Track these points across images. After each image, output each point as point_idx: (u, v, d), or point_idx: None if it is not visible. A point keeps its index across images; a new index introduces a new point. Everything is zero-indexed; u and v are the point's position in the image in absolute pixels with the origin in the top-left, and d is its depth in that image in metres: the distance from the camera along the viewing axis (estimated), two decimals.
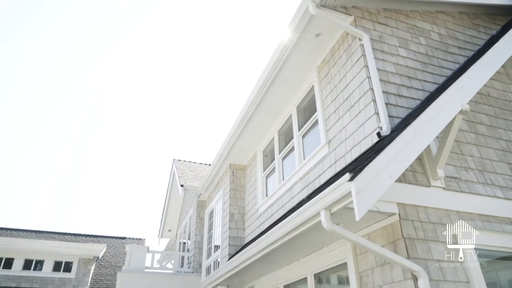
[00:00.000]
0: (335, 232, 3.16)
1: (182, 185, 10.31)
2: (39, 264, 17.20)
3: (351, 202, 3.01)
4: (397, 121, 4.13)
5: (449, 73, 5.13)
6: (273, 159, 7.25)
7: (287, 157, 6.77)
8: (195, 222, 10.70)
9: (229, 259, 7.32)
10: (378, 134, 3.84)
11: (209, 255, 9.53)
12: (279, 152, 6.95)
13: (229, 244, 7.72)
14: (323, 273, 4.73)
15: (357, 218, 2.69)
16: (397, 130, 3.67)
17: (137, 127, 70.23)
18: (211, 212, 10.07)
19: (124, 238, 22.91)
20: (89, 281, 17.50)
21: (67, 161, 66.92)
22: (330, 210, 3.23)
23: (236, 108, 8.84)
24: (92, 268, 18.01)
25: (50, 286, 16.78)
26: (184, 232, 12.94)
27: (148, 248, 10.01)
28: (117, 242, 22.15)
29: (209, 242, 9.80)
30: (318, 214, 3.31)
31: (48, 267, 17.23)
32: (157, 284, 9.56)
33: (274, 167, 7.09)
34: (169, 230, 14.99)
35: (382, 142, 3.58)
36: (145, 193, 78.12)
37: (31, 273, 16.87)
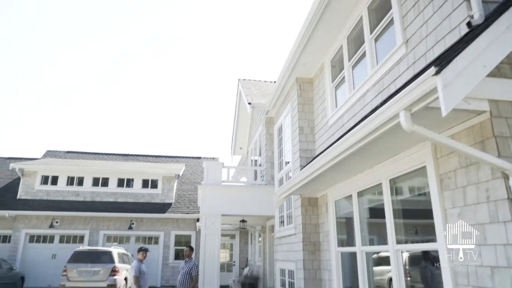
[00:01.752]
0: (415, 133, 3.00)
1: (249, 103, 10.45)
2: (130, 182, 19.40)
3: (435, 100, 2.78)
4: (492, 6, 3.56)
5: None
6: (341, 69, 6.90)
7: (357, 65, 6.39)
8: (264, 138, 10.99)
9: (300, 170, 7.53)
10: (468, 23, 3.36)
11: (280, 168, 9.89)
12: (349, 60, 6.56)
13: (300, 157, 7.88)
14: (399, 178, 4.66)
15: (444, 114, 2.49)
16: (492, 16, 3.18)
17: (202, 49, 70.72)
18: (279, 127, 10.20)
19: (199, 157, 24.63)
20: (174, 196, 19.49)
21: (142, 88, 70.94)
22: (410, 110, 3.03)
23: (299, 21, 8.34)
24: (175, 184, 19.89)
25: (141, 200, 19.05)
26: (255, 149, 13.45)
27: (223, 164, 10.65)
28: (193, 162, 23.93)
29: (280, 156, 10.10)
30: (397, 115, 3.13)
31: (137, 184, 19.38)
32: (234, 195, 10.31)
33: (343, 77, 6.78)
34: (240, 148, 15.69)
35: (474, 32, 3.15)
36: (215, 114, 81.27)
37: (124, 189, 19.18)
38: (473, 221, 3.31)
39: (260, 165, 11.84)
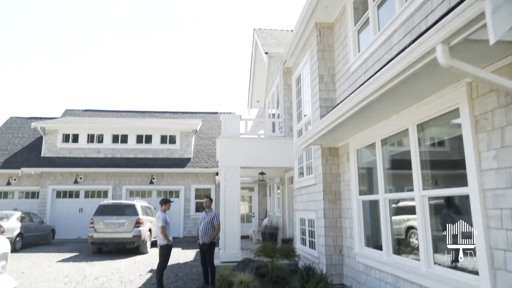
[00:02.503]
0: (453, 68, 2.76)
1: (266, 53, 10.09)
2: (148, 138, 19.62)
3: (477, 30, 2.52)
4: None
5: None
6: (365, 10, 6.46)
7: (383, 4, 5.95)
8: (282, 89, 10.72)
9: (320, 120, 7.34)
10: None
11: (299, 119, 9.71)
12: None
13: (320, 106, 7.66)
14: (427, 122, 4.44)
15: (492, 41, 2.25)
16: None
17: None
18: (298, 77, 9.89)
19: (216, 113, 24.55)
20: (192, 151, 19.68)
21: (157, 44, 69.91)
22: (448, 44, 2.77)
23: None
24: (193, 140, 20.03)
25: (161, 155, 19.34)
26: (272, 101, 13.21)
27: (240, 117, 10.51)
28: (210, 117, 23.90)
29: (298, 107, 9.88)
30: (432, 50, 2.87)
31: (156, 140, 19.59)
32: (252, 148, 10.27)
33: (367, 19, 6.36)
34: (257, 101, 15.46)
35: None
36: (231, 68, 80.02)
37: (143, 146, 19.44)
38: (511, 162, 3.13)
39: (278, 117, 11.67)
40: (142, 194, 18.86)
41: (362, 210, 6.50)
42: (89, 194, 18.62)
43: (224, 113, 24.11)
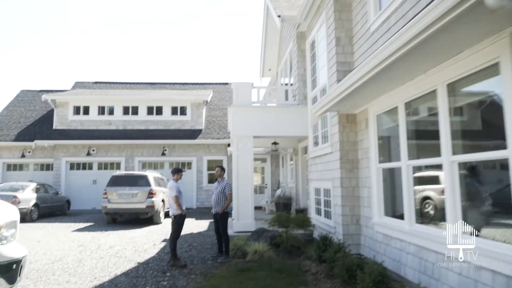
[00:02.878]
0: (505, 8, 2.37)
1: (278, 16, 9.57)
2: (159, 110, 19.41)
3: None
4: None
5: None
6: None
7: None
8: (296, 55, 10.26)
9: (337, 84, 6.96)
10: None
11: (314, 85, 9.32)
12: None
13: (336, 70, 7.25)
14: (459, 82, 4.06)
15: None
16: None
17: None
18: (312, 42, 9.41)
19: (227, 83, 24.11)
20: (203, 122, 19.46)
21: (165, 15, 68.66)
22: None
23: None
24: (204, 111, 19.76)
25: (172, 127, 19.18)
26: (285, 69, 12.76)
27: (252, 84, 10.16)
28: (221, 88, 23.51)
29: (313, 73, 9.46)
30: None
31: (167, 112, 19.39)
32: (265, 116, 9.97)
33: None
34: (269, 69, 15.00)
35: None
36: (242, 37, 78.56)
37: (154, 117, 19.28)
38: None
39: (291, 85, 11.27)
40: (155, 166, 18.87)
41: (382, 179, 6.22)
42: (102, 166, 18.71)
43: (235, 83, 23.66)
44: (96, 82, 23.47)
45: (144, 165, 18.85)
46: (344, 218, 7.05)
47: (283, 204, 10.59)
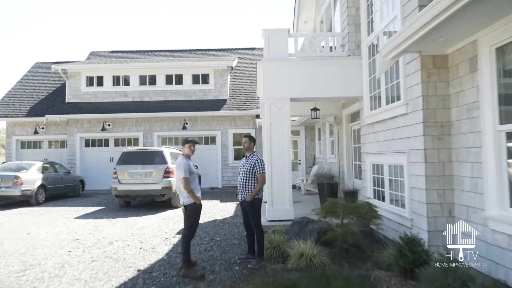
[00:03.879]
0: None
1: None
2: (179, 79, 17.40)
3: None
4: None
5: None
6: None
7: None
8: None
9: (418, 12, 4.60)
10: None
11: (370, 29, 6.91)
12: None
13: None
14: None
15: None
16: None
17: None
18: None
19: (253, 48, 21.70)
20: (228, 91, 17.32)
21: None
22: None
23: None
24: (228, 78, 17.58)
25: (193, 97, 17.17)
26: (325, 21, 10.28)
27: (288, 31, 7.85)
28: (247, 54, 21.15)
29: (369, 13, 7.05)
30: None
31: (187, 81, 17.35)
32: (305, 73, 7.71)
33: None
34: (305, 22, 12.51)
35: None
36: None
37: (173, 87, 17.29)
38: None
39: (339, 32, 8.85)
40: (176, 141, 17.06)
41: (506, 148, 3.93)
42: (119, 142, 17.07)
43: (262, 48, 21.23)
44: (112, 52, 21.65)
45: (164, 141, 17.07)
46: (430, 208, 4.84)
47: (329, 185, 8.38)
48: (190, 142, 5.09)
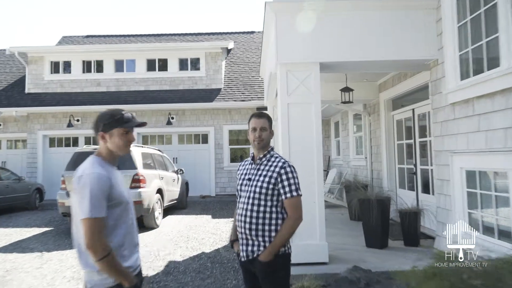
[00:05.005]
0: None
1: None
2: (163, 64, 14.40)
3: None
4: None
5: None
6: None
7: None
8: None
9: None
10: None
11: None
12: None
13: None
14: None
15: None
16: None
17: None
18: None
19: (252, 32, 18.69)
20: (223, 79, 14.34)
21: None
22: None
23: None
24: (223, 64, 14.59)
25: (181, 86, 14.16)
26: None
27: None
28: (245, 38, 18.15)
29: None
30: None
31: (173, 66, 14.35)
32: (348, 21, 4.76)
33: None
34: None
35: None
36: None
37: (156, 74, 14.29)
38: None
39: None
40: (159, 140, 14.08)
41: None
42: (90, 141, 14.05)
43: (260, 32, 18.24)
44: (87, 36, 18.59)
45: (145, 139, 14.09)
46: None
47: (376, 204, 5.22)
48: (119, 120, 2.01)
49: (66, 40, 18.13)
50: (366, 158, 8.75)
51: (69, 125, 13.56)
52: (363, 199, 5.38)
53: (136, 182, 7.43)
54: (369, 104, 8.50)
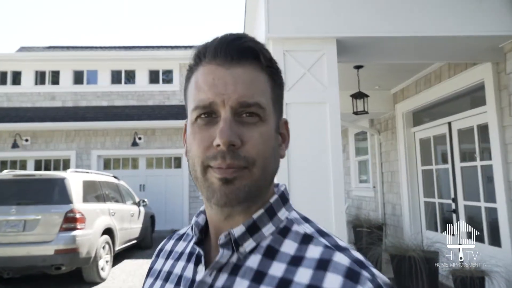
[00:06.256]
0: None
1: None
2: (130, 76, 12.55)
3: None
4: None
5: None
6: None
7: None
8: None
9: None
10: None
11: None
12: None
13: None
14: None
15: None
16: None
17: None
18: None
19: None
20: None
21: None
22: None
23: None
24: None
25: (150, 101, 12.27)
26: None
27: None
28: None
29: None
30: None
31: (142, 79, 12.51)
32: None
33: None
34: None
35: None
36: None
37: (122, 87, 12.39)
38: None
39: None
40: (124, 164, 12.01)
41: None
42: (41, 165, 11.85)
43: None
44: (49, 47, 16.63)
45: (107, 162, 11.99)
46: None
47: (422, 263, 3.28)
48: None
49: (24, 51, 16.08)
50: (374, 187, 6.96)
51: (14, 146, 11.35)
52: (399, 255, 3.49)
53: (70, 222, 5.35)
54: (378, 119, 6.79)
